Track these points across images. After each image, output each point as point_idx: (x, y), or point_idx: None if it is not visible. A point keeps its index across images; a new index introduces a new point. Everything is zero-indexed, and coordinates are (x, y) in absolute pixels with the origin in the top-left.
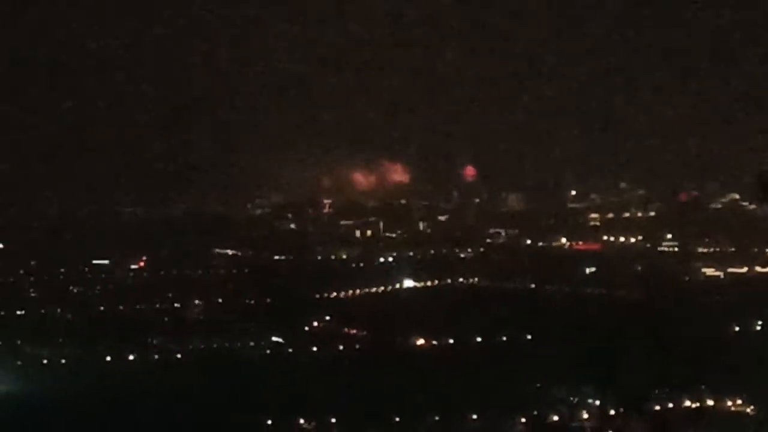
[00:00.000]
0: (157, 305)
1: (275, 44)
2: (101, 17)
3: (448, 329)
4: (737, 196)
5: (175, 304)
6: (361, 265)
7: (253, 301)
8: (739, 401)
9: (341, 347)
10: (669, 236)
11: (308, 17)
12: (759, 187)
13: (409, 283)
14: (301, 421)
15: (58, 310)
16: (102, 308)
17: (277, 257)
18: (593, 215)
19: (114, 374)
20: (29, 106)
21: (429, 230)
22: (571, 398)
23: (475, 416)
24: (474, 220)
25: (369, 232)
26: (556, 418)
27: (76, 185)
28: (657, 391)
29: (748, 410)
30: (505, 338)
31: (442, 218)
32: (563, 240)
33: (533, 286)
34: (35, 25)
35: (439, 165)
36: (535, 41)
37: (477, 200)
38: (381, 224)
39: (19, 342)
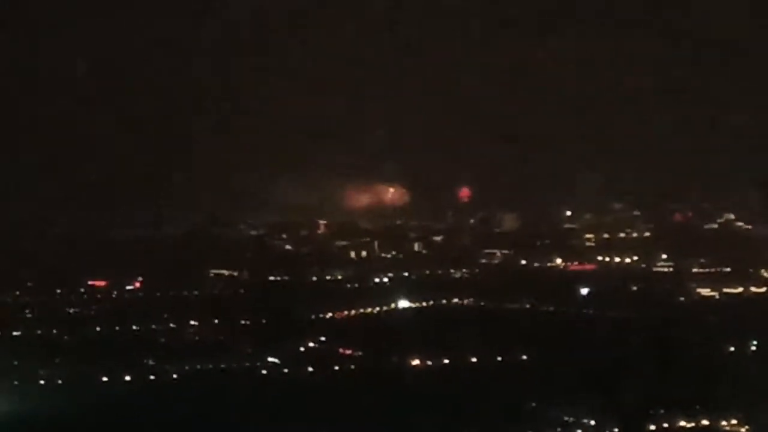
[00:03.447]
0: (153, 326)
1: (268, 65)
2: (89, 37)
3: (443, 349)
4: (732, 216)
5: (171, 325)
6: (356, 285)
7: (248, 322)
8: (735, 421)
9: (336, 367)
10: (664, 256)
11: (300, 36)
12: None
13: (404, 303)
14: None
15: (55, 331)
16: (98, 329)
17: (272, 278)
18: (588, 235)
19: (110, 395)
20: (18, 126)
21: (424, 251)
22: (567, 418)
23: None
24: (469, 241)
25: (364, 253)
26: None
27: (71, 206)
28: (652, 412)
29: (743, 430)
30: (500, 358)
31: (436, 239)
32: (558, 260)
33: (528, 306)
34: (24, 41)
35: (434, 186)
36: (527, 61)
37: (472, 221)
38: (376, 245)
39: (15, 362)
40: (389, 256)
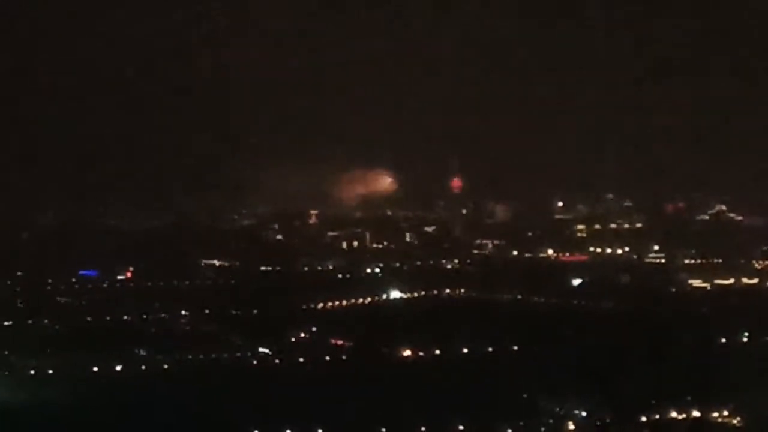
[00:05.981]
0: (144, 316)
1: (263, 59)
2: (87, 34)
3: (434, 340)
4: (724, 208)
5: (162, 315)
6: (348, 276)
7: (239, 312)
8: (726, 412)
9: (328, 358)
10: (655, 247)
11: (294, 33)
12: None
13: (395, 294)
14: (288, 431)
15: (46, 321)
16: (89, 319)
17: (263, 268)
18: (580, 226)
19: (101, 385)
20: (15, 119)
21: (416, 241)
22: (558, 409)
23: (461, 427)
24: (461, 232)
25: (356, 243)
26: (542, 428)
27: (63, 197)
28: (643, 402)
29: (735, 421)
30: (491, 349)
31: (428, 229)
32: (550, 251)
33: (520, 297)
34: (21, 35)
35: (426, 176)
36: (522, 55)
37: (464, 211)
38: (368, 235)
39: (6, 352)
40: (381, 246)
